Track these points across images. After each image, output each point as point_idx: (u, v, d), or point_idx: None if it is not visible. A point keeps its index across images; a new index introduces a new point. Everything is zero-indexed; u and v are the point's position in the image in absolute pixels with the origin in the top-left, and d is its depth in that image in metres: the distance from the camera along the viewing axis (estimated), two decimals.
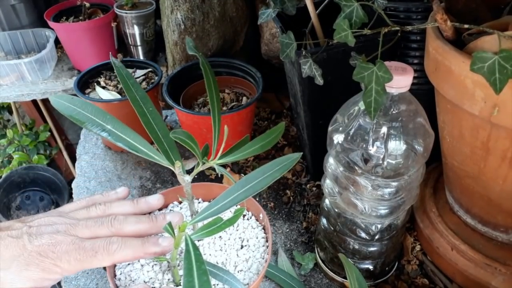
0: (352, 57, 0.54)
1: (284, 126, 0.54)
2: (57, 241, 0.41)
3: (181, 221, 0.44)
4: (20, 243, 0.40)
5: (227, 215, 0.57)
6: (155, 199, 0.48)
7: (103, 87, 0.90)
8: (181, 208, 0.60)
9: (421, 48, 0.60)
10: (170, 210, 0.60)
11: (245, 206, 0.55)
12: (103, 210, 0.46)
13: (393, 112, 0.49)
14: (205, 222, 0.45)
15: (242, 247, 0.55)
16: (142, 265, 0.51)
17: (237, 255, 0.53)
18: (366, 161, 0.50)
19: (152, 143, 0.47)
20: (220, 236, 0.55)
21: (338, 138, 0.52)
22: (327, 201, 0.61)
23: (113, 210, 0.46)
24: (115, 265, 0.52)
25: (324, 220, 0.63)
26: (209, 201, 0.61)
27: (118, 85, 0.91)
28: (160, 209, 0.60)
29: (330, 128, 0.54)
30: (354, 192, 0.53)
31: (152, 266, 0.51)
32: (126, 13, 1.16)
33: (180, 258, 0.49)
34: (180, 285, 0.49)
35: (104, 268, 0.67)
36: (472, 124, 0.49)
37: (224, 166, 0.85)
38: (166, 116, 1.03)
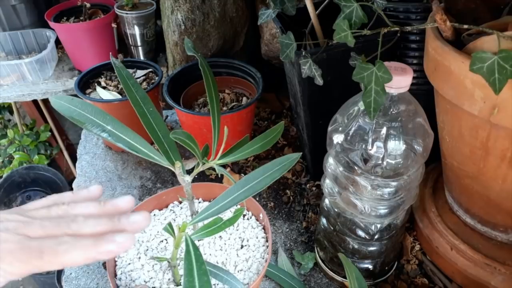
0: (351, 57, 0.54)
1: (284, 125, 0.54)
2: (2, 239, 0.36)
3: (148, 221, 0.39)
4: None
5: (227, 215, 0.57)
6: (124, 201, 0.42)
7: (104, 87, 0.90)
8: (181, 208, 0.60)
9: (421, 48, 0.60)
10: (171, 210, 0.60)
11: (245, 206, 0.55)
12: (65, 211, 0.41)
13: (393, 112, 0.49)
14: (205, 222, 0.45)
15: (242, 247, 0.55)
16: (142, 265, 0.52)
17: (237, 254, 0.53)
18: (365, 161, 0.50)
19: (152, 143, 0.47)
20: (220, 236, 0.56)
21: (338, 138, 0.52)
22: (327, 201, 0.61)
23: (75, 211, 0.41)
24: (115, 265, 0.52)
25: (324, 220, 0.63)
26: (209, 201, 0.62)
27: (118, 85, 0.92)
28: (160, 209, 0.61)
29: (330, 128, 0.54)
30: (354, 192, 0.54)
31: (153, 265, 0.51)
32: (126, 13, 1.16)
33: (180, 258, 0.49)
34: (180, 285, 0.49)
35: (105, 268, 0.67)
36: (472, 124, 0.49)
37: (224, 166, 0.85)
38: (167, 116, 1.03)
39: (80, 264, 0.38)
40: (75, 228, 0.38)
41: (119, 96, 0.87)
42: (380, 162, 0.49)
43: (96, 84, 0.92)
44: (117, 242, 0.37)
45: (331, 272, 0.64)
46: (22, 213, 0.40)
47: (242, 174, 0.86)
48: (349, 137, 0.51)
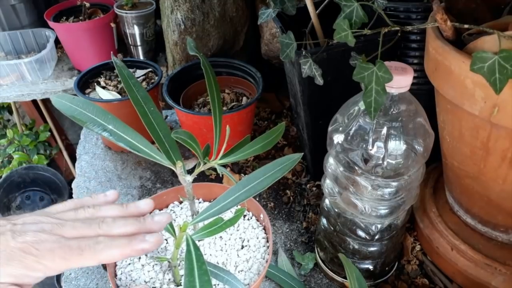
0: (352, 57, 0.54)
1: (284, 126, 0.54)
2: (41, 239, 0.40)
3: (169, 221, 0.44)
4: (3, 239, 0.40)
5: (227, 215, 0.57)
6: (145, 204, 0.47)
7: (103, 87, 0.90)
8: (181, 208, 0.60)
9: (421, 48, 0.60)
10: (171, 210, 0.60)
11: (245, 206, 0.55)
12: (92, 213, 0.45)
13: (393, 112, 0.49)
14: (206, 222, 0.45)
15: (242, 247, 0.55)
16: (142, 265, 0.52)
17: (238, 255, 0.53)
18: (366, 161, 0.50)
19: (153, 142, 0.47)
20: (221, 236, 0.55)
21: (338, 138, 0.52)
22: (327, 201, 0.61)
23: (102, 213, 0.45)
24: (115, 265, 0.52)
25: (324, 220, 0.63)
26: (210, 201, 0.61)
27: (118, 85, 0.91)
28: (160, 209, 0.61)
29: (330, 128, 0.54)
30: (354, 192, 0.53)
31: (153, 266, 0.51)
32: (126, 13, 1.16)
33: (180, 258, 0.49)
34: (181, 285, 0.49)
35: (105, 268, 0.67)
36: (472, 124, 0.49)
37: (224, 166, 0.85)
38: (166, 116, 1.03)
39: (116, 261, 0.44)
40: (106, 229, 0.42)
41: (118, 96, 0.87)
42: (380, 162, 0.49)
43: (95, 84, 0.91)
44: (149, 241, 0.41)
45: (332, 273, 0.64)
46: (50, 215, 0.44)
47: (242, 174, 0.86)
48: (349, 137, 0.51)
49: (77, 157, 0.93)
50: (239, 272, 0.51)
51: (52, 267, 0.39)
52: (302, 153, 0.47)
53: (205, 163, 0.47)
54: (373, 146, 0.49)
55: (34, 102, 1.53)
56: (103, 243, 0.40)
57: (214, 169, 0.48)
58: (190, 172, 0.47)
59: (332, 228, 0.61)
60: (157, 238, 0.41)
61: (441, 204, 0.67)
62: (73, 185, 0.85)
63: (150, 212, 0.57)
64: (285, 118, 1.02)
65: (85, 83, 0.91)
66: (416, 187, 0.56)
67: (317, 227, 0.67)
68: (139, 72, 0.94)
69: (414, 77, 0.47)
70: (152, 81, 0.92)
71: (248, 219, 0.59)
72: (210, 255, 0.53)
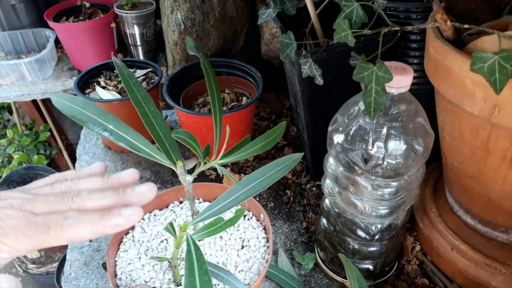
0: (352, 57, 0.54)
1: (285, 126, 0.54)
2: (6, 216, 0.36)
3: (153, 191, 0.39)
4: None
5: (228, 215, 0.57)
6: (128, 174, 0.42)
7: (103, 87, 0.90)
8: (182, 208, 0.60)
9: (421, 48, 0.60)
10: (171, 210, 0.60)
11: (246, 206, 0.55)
12: (68, 186, 0.41)
13: (393, 112, 0.49)
14: (206, 222, 0.45)
15: (242, 247, 0.55)
16: (143, 265, 0.52)
17: (238, 255, 0.53)
18: (366, 161, 0.50)
19: (153, 142, 0.47)
20: (221, 236, 0.56)
21: (338, 138, 0.52)
22: (327, 201, 0.61)
23: (79, 186, 0.41)
24: (116, 265, 0.52)
25: (324, 220, 0.63)
26: (210, 201, 0.62)
27: (118, 85, 0.92)
28: (160, 209, 0.61)
29: (330, 128, 0.54)
30: (354, 192, 0.54)
31: (153, 265, 0.51)
32: (126, 13, 1.16)
33: (181, 258, 0.49)
34: (181, 285, 0.49)
35: (105, 268, 0.67)
36: (472, 124, 0.49)
37: (224, 166, 0.85)
38: (166, 116, 1.03)
39: (87, 238, 0.38)
40: (80, 202, 0.38)
41: (118, 96, 0.87)
42: (380, 162, 0.49)
43: (95, 84, 0.91)
44: (124, 215, 0.36)
45: (332, 273, 0.64)
46: (25, 191, 0.40)
47: (242, 174, 0.86)
48: (349, 137, 0.51)
49: (77, 157, 0.93)
50: (239, 272, 0.52)
51: (18, 247, 0.36)
52: (303, 153, 0.47)
53: (205, 163, 0.47)
54: (373, 146, 0.49)
55: (34, 102, 1.53)
56: (72, 218, 0.36)
57: (214, 169, 0.47)
58: (190, 172, 0.47)
59: (332, 228, 0.61)
60: (134, 211, 0.36)
61: (441, 204, 0.67)
62: None
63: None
64: (285, 118, 1.02)
65: (85, 83, 0.91)
66: (416, 187, 0.56)
67: (317, 227, 0.67)
68: (139, 72, 0.94)
69: (414, 77, 0.47)
70: (152, 81, 0.92)
71: (248, 219, 0.59)
72: (210, 255, 0.53)
